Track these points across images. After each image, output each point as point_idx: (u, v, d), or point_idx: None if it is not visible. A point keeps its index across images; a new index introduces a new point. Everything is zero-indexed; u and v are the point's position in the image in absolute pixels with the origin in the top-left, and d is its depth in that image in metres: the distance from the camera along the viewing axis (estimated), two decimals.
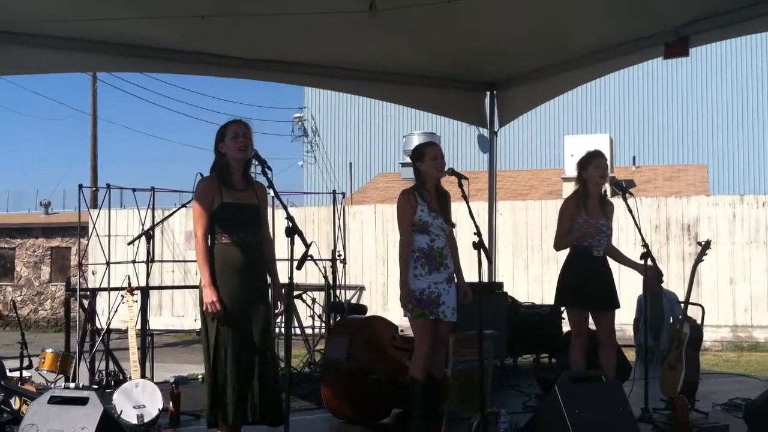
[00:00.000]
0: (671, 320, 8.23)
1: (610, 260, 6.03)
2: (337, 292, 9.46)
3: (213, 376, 4.75)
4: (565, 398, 4.88)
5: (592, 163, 5.98)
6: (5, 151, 61.03)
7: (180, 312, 19.31)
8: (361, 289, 17.79)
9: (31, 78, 58.56)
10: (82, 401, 4.55)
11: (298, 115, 28.72)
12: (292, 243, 4.49)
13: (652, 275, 5.91)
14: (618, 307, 5.98)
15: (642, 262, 5.89)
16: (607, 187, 11.67)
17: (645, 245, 5.89)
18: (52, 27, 6.32)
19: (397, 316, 5.66)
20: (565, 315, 7.94)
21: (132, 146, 68.18)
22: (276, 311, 5.11)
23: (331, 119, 28.19)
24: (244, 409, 4.73)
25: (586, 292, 5.82)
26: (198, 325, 5.61)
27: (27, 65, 6.89)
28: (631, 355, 8.16)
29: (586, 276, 5.87)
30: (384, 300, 17.20)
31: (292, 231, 4.49)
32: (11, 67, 7.03)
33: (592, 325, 5.99)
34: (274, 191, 4.95)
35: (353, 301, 16.43)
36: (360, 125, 27.66)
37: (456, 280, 5.51)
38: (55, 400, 4.60)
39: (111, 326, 8.37)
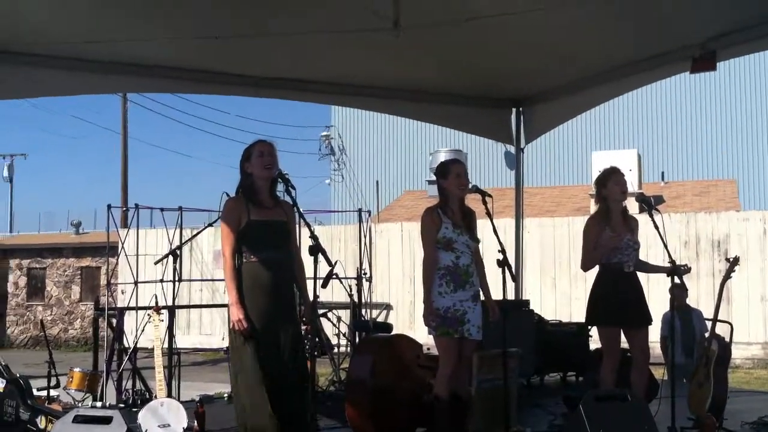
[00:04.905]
0: (699, 337, 8.14)
1: (639, 275, 5.96)
2: (364, 310, 9.45)
3: (246, 397, 4.68)
4: (589, 417, 4.83)
5: (611, 179, 5.89)
6: (40, 172, 61.95)
7: (208, 330, 19.38)
8: (388, 307, 17.75)
9: (60, 100, 59.52)
10: (106, 420, 4.58)
11: (325, 133, 28.88)
12: (316, 261, 4.50)
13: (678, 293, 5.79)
14: (651, 323, 5.88)
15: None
16: (635, 203, 11.53)
17: (672, 262, 5.80)
18: (78, 49, 6.40)
19: (424, 335, 5.63)
20: (592, 333, 7.86)
21: (161, 165, 68.76)
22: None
23: (357, 137, 28.29)
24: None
25: (619, 309, 5.70)
26: (226, 344, 5.61)
27: (54, 87, 6.99)
28: (660, 373, 8.06)
29: (617, 292, 5.75)
30: (411, 318, 17.13)
31: (316, 249, 4.50)
32: (38, 90, 7.15)
33: (623, 344, 5.91)
34: (298, 210, 4.96)
35: (380, 319, 16.40)
36: (386, 143, 27.71)
37: (483, 298, 5.44)
38: (79, 419, 4.63)
39: (138, 345, 8.44)
